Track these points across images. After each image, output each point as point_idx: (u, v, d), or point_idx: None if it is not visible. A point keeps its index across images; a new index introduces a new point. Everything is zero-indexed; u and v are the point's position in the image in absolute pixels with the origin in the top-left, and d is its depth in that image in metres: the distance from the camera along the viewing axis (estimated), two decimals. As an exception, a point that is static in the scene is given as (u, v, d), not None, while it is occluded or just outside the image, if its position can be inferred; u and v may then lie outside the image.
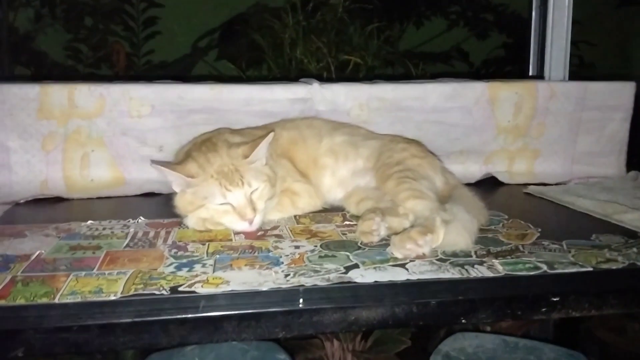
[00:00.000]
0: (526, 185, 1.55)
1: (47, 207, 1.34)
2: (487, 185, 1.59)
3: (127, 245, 1.01)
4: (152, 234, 1.09)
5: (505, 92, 1.62)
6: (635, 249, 0.99)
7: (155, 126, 1.47)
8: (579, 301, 0.90)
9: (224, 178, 1.07)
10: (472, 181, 1.60)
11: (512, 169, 1.70)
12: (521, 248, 1.01)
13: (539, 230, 1.12)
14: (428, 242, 0.96)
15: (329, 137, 1.32)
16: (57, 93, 1.40)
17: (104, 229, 1.12)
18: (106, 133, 1.45)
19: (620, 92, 1.68)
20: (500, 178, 1.63)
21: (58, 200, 1.37)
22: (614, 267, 0.91)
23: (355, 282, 0.85)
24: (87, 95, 1.42)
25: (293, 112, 1.52)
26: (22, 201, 1.34)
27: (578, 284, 0.90)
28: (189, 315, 0.79)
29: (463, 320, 0.88)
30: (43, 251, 0.97)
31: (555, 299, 0.88)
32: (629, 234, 1.09)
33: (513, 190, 1.55)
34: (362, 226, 1.05)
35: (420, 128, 1.61)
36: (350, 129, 1.40)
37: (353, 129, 1.41)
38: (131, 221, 1.17)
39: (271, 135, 1.13)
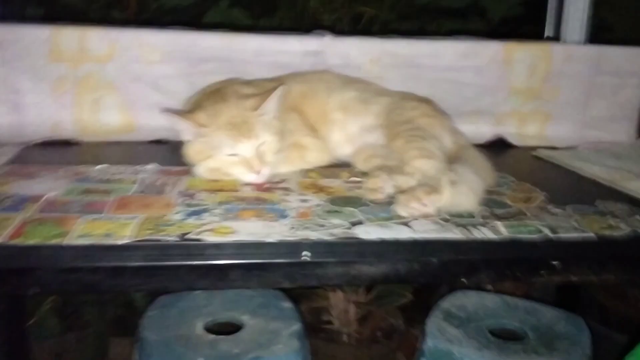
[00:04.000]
0: (536, 148, 1.55)
1: (59, 149, 1.35)
2: (497, 148, 1.59)
3: (136, 191, 1.03)
4: (161, 181, 1.10)
5: (521, 53, 1.60)
6: (639, 217, 1.00)
7: (167, 73, 1.47)
8: (579, 267, 0.92)
9: (234, 129, 1.08)
10: (482, 142, 1.59)
11: (523, 131, 1.69)
12: (525, 211, 1.02)
13: (545, 194, 1.12)
14: (433, 201, 0.97)
15: (340, 92, 1.32)
16: (69, 37, 1.40)
17: (113, 174, 1.13)
18: (117, 78, 1.45)
19: (636, 58, 1.66)
20: (511, 140, 1.62)
21: (69, 143, 1.38)
22: (616, 234, 0.92)
23: (359, 238, 0.86)
24: (98, 40, 1.41)
25: (304, 64, 1.51)
26: (33, 143, 1.35)
27: (579, 249, 0.92)
28: (197, 262, 0.81)
29: (463, 280, 0.90)
30: (55, 193, 0.99)
31: (555, 263, 0.90)
32: (634, 202, 1.09)
33: (522, 153, 1.55)
34: (368, 183, 1.06)
35: (433, 86, 1.59)
36: (361, 84, 1.39)
37: (365, 85, 1.40)
38: (142, 167, 1.18)
39: (282, 89, 1.13)
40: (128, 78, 1.46)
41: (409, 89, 1.55)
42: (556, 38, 1.93)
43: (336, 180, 1.16)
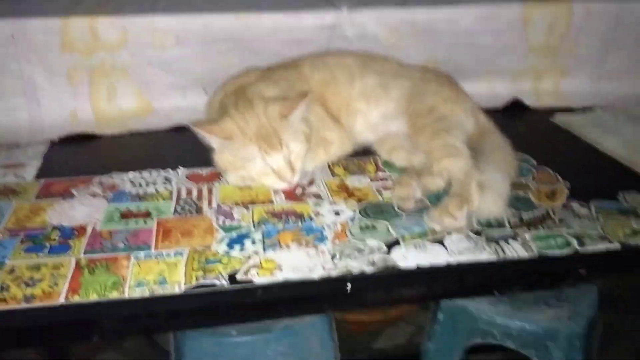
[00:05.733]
0: (552, 111, 1.55)
1: (83, 147, 1.36)
2: (513, 111, 1.59)
3: (175, 210, 1.06)
4: (195, 192, 1.12)
5: (540, 13, 1.57)
6: (660, 217, 1.04)
7: (181, 56, 1.44)
8: (603, 274, 0.97)
9: (263, 141, 1.09)
10: (498, 105, 1.59)
11: (539, 87, 1.69)
12: (552, 214, 1.05)
13: (568, 184, 1.15)
14: (465, 214, 1.00)
15: (361, 79, 1.31)
16: (79, 26, 1.36)
17: (147, 184, 1.15)
18: (130, 65, 1.43)
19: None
20: (526, 100, 1.62)
21: (91, 138, 1.39)
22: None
23: (399, 268, 0.90)
24: (109, 28, 1.38)
25: (321, 39, 1.48)
26: (54, 140, 1.36)
27: (604, 260, 0.96)
28: (247, 301, 0.86)
29: (495, 293, 0.96)
30: (96, 220, 1.02)
31: (581, 271, 0.95)
32: (654, 191, 1.13)
33: (539, 119, 1.55)
34: (399, 192, 1.09)
35: (450, 51, 1.58)
36: (379, 65, 1.37)
37: (383, 65, 1.37)
38: (171, 172, 1.20)
39: (310, 97, 1.12)
40: (142, 63, 1.44)
41: (426, 56, 1.55)
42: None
43: (363, 178, 1.19)
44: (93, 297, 0.83)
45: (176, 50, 1.43)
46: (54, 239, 0.96)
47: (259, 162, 1.10)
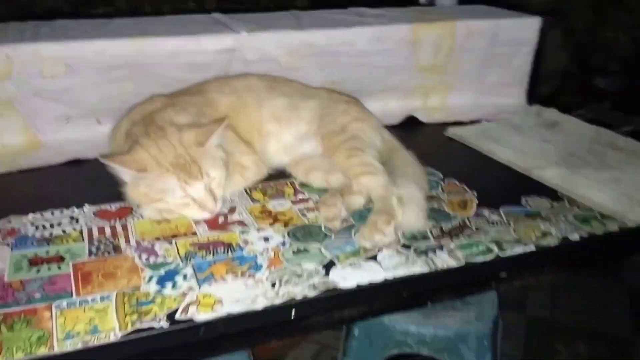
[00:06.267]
0: (444, 125, 1.64)
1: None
2: (407, 126, 1.66)
3: (90, 251, 0.98)
4: (108, 230, 1.05)
5: (427, 33, 1.65)
6: (562, 217, 1.13)
7: (72, 85, 1.35)
8: (521, 274, 1.04)
9: (182, 171, 1.04)
10: (394, 122, 1.65)
11: (427, 104, 1.78)
12: (468, 223, 1.11)
13: (475, 193, 1.22)
14: (392, 229, 1.03)
15: (269, 101, 1.30)
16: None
17: (51, 225, 1.06)
18: (16, 96, 1.31)
19: (527, 27, 1.78)
20: (419, 116, 1.70)
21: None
22: (552, 245, 1.04)
23: (339, 289, 0.90)
24: (-9, 57, 1.25)
25: (221, 62, 1.46)
26: None
27: (522, 261, 1.03)
28: (190, 340, 0.81)
29: (428, 303, 0.99)
30: (2, 270, 0.91)
31: (502, 274, 1.01)
32: (551, 195, 1.22)
33: (433, 133, 1.63)
34: (325, 212, 1.09)
35: (347, 71, 1.62)
36: (285, 86, 1.38)
37: (288, 86, 1.38)
38: (76, 211, 1.11)
39: (226, 121, 1.09)
40: (28, 94, 1.32)
41: (325, 76, 1.58)
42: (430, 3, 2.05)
43: (284, 202, 1.18)
44: (19, 356, 0.74)
45: (67, 79, 1.33)
46: (-44, 297, 0.85)
47: (177, 192, 1.05)
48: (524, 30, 1.77)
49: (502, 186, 1.31)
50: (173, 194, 1.05)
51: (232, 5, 2.59)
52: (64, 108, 1.37)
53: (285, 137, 1.29)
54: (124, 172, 1.05)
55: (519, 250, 1.02)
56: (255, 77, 1.38)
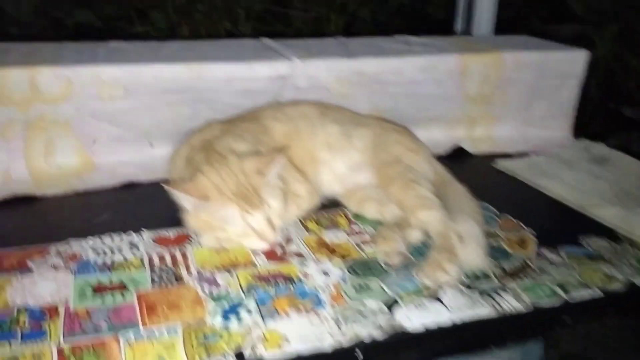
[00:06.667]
0: (491, 157, 1.63)
1: (24, 211, 1.22)
2: (453, 157, 1.65)
3: (153, 280, 0.97)
4: (168, 258, 1.04)
5: (475, 63, 1.65)
6: (625, 260, 1.11)
7: (128, 108, 1.36)
8: (587, 319, 1.02)
9: (243, 200, 1.04)
10: (441, 151, 1.64)
11: (472, 134, 1.76)
12: (529, 263, 1.09)
13: (532, 232, 1.20)
14: (455, 268, 1.01)
15: (323, 128, 1.30)
16: (17, 77, 1.24)
17: (112, 251, 1.06)
18: (73, 117, 1.32)
19: (575, 60, 1.76)
20: (465, 146, 1.69)
21: (30, 200, 1.25)
22: (618, 290, 1.02)
23: (406, 330, 0.89)
24: (51, 80, 1.26)
25: (272, 88, 1.46)
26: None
27: (588, 306, 1.00)
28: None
29: (492, 347, 0.97)
30: (67, 298, 0.91)
31: (565, 318, 0.98)
32: (609, 235, 1.20)
33: (481, 165, 1.62)
34: (385, 247, 1.08)
35: (394, 99, 1.61)
36: (337, 113, 1.38)
37: (339, 113, 1.38)
38: (135, 236, 1.11)
39: (285, 152, 1.09)
40: (86, 115, 1.33)
41: (373, 103, 1.58)
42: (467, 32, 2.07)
43: (339, 233, 1.17)
44: (92, 392, 0.73)
45: (123, 102, 1.34)
46: (24, 323, 0.84)
47: (238, 222, 1.04)
48: (571, 63, 1.76)
49: (557, 224, 1.29)
50: (234, 223, 1.04)
51: (266, 27, 2.63)
52: (119, 130, 1.38)
53: (339, 166, 1.29)
54: (185, 200, 1.04)
55: (585, 294, 1.00)
56: (308, 104, 1.38)
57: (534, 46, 1.81)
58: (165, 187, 1.03)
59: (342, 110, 1.42)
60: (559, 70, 1.75)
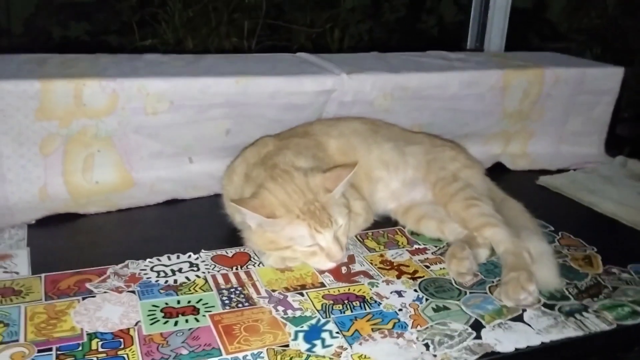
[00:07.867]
0: (529, 173, 1.61)
1: (69, 230, 1.17)
2: (493, 173, 1.62)
3: (223, 302, 0.92)
4: (233, 278, 1.00)
5: (517, 79, 1.63)
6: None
7: (170, 122, 1.31)
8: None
9: (312, 218, 0.99)
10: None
11: (507, 150, 1.74)
12: (602, 281, 1.05)
13: (595, 249, 1.17)
14: (535, 287, 0.97)
15: (377, 145, 1.26)
16: (62, 90, 1.19)
17: (172, 272, 1.00)
18: (116, 132, 1.27)
19: (611, 77, 1.75)
20: (502, 161, 1.66)
21: (69, 218, 1.20)
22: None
23: (498, 353, 0.85)
24: (97, 92, 1.21)
25: (317, 103, 1.42)
26: (33, 222, 1.16)
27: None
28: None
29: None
30: (137, 322, 0.86)
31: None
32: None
33: (522, 181, 1.59)
34: (457, 267, 1.04)
35: (435, 114, 1.59)
36: (387, 129, 1.35)
37: (389, 130, 1.36)
38: (192, 255, 1.06)
39: (355, 168, 1.05)
40: (128, 130, 1.28)
41: (413, 118, 1.55)
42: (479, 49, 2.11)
43: (402, 251, 1.13)
44: None
45: (167, 116, 1.29)
46: (100, 352, 0.79)
47: (307, 241, 1.00)
48: (608, 79, 1.75)
49: (618, 241, 1.26)
50: (302, 242, 1.00)
51: (270, 41, 2.61)
52: (159, 145, 1.33)
53: (394, 183, 1.25)
54: (251, 217, 1.00)
55: (667, 313, 0.97)
56: (357, 120, 1.35)
57: (570, 63, 1.79)
58: (233, 203, 0.98)
59: (390, 126, 1.39)
60: (596, 87, 1.73)
